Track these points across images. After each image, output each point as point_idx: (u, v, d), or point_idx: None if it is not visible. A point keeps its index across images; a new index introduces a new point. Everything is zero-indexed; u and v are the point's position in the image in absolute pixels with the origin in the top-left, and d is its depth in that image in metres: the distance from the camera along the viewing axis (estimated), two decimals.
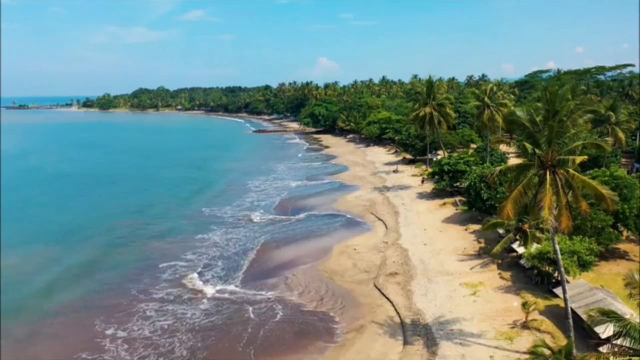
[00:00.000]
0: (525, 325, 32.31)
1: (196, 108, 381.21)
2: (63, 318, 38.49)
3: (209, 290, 42.63)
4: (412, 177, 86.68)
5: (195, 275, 45.90)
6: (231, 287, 43.10)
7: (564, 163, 27.28)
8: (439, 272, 43.42)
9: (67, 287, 44.05)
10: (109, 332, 35.60)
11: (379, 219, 62.23)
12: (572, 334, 28.31)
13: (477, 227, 53.31)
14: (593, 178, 39.85)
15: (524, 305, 33.14)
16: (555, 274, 37.22)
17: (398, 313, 36.68)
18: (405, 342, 32.61)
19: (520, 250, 41.81)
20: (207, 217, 66.48)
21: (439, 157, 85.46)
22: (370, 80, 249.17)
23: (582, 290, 33.00)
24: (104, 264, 49.62)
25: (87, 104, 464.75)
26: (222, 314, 38.35)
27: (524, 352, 29.27)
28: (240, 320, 37.28)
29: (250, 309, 39.06)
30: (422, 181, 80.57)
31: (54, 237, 58.15)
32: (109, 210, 71.00)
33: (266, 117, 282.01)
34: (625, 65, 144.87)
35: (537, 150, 27.75)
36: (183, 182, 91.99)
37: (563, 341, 29.22)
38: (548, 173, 27.23)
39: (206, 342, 34.18)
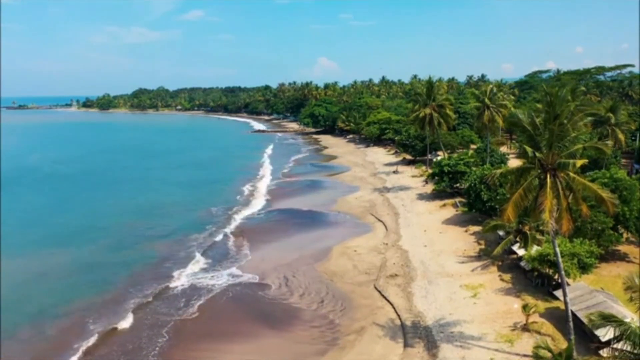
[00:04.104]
0: (525, 328, 32.31)
1: (196, 108, 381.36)
2: (57, 319, 38.45)
3: (207, 286, 42.78)
4: (412, 177, 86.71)
5: (193, 273, 46.16)
6: (230, 287, 43.16)
7: (565, 166, 27.28)
8: (439, 274, 43.45)
9: (66, 288, 43.98)
10: (92, 327, 36.20)
11: (379, 220, 62.23)
12: (572, 336, 28.33)
13: (477, 228, 53.31)
14: (593, 180, 39.89)
15: (525, 307, 33.12)
16: (556, 276, 37.24)
17: (398, 315, 36.70)
18: (406, 344, 32.63)
19: (521, 252, 41.83)
20: (207, 216, 66.43)
21: (439, 157, 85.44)
22: (370, 80, 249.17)
23: (583, 293, 33.03)
24: (102, 263, 49.52)
25: (87, 104, 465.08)
26: (218, 313, 38.57)
27: (525, 355, 29.32)
28: (236, 320, 37.43)
29: (248, 309, 39.18)
30: (426, 182, 79.78)
31: (55, 238, 58.03)
32: (110, 211, 70.91)
33: (266, 117, 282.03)
34: (625, 66, 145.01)
35: (537, 153, 27.77)
36: (185, 182, 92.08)
37: (563, 344, 29.24)
38: (549, 176, 27.24)
39: (194, 338, 34.26)
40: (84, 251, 53.32)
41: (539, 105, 58.81)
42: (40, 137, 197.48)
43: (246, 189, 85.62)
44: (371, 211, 66.44)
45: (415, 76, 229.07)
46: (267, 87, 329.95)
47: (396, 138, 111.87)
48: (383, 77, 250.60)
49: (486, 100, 75.91)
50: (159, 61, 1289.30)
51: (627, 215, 41.72)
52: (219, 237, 57.54)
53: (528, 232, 40.10)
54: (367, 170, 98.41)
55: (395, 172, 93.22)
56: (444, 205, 65.31)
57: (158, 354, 33.01)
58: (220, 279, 45.35)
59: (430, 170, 78.56)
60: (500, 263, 43.95)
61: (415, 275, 43.71)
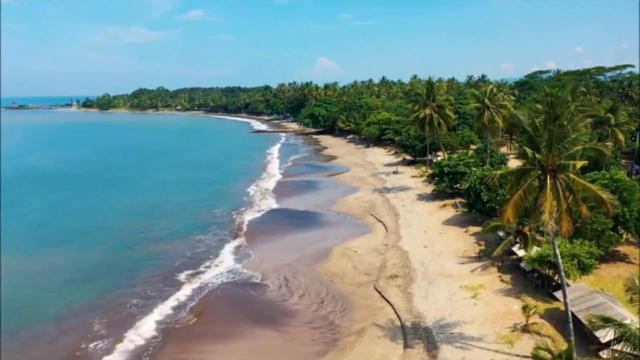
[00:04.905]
0: (525, 329, 32.32)
1: (196, 108, 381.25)
2: (64, 321, 38.26)
3: (208, 287, 42.92)
4: (412, 178, 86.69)
5: (196, 274, 46.17)
6: (231, 287, 43.20)
7: (565, 167, 27.30)
8: (439, 275, 43.46)
9: (73, 289, 43.84)
10: (104, 332, 35.92)
11: (379, 220, 62.23)
12: (572, 337, 28.34)
13: (477, 229, 53.32)
14: (593, 181, 39.96)
15: (525, 308, 33.14)
16: (556, 277, 37.25)
17: (398, 316, 36.71)
18: (406, 345, 32.64)
19: (521, 253, 41.85)
20: (210, 217, 66.42)
21: (438, 158, 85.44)
22: (370, 80, 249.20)
23: (583, 294, 33.03)
24: (108, 265, 49.35)
25: (87, 104, 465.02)
26: (218, 313, 38.62)
27: (525, 356, 29.33)
28: (236, 320, 37.45)
29: (249, 309, 39.23)
30: (430, 181, 79.20)
31: (58, 239, 57.92)
32: (114, 212, 70.72)
33: (266, 117, 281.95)
34: (625, 66, 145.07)
35: (537, 155, 27.78)
36: (187, 183, 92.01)
37: (563, 345, 29.26)
38: (548, 177, 27.25)
39: (195, 339, 34.30)
40: (87, 252, 53.16)
41: (539, 106, 58.90)
42: (40, 138, 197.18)
43: (247, 189, 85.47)
44: (371, 212, 66.43)
45: (415, 76, 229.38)
46: (267, 88, 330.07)
47: (396, 138, 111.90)
48: (383, 77, 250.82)
49: (486, 100, 75.92)
50: (159, 61, 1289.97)
51: (627, 216, 41.74)
52: (222, 238, 57.47)
53: (528, 233, 40.13)
54: (367, 171, 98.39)
55: (395, 172, 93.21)
56: (444, 205, 65.31)
57: (153, 355, 33.13)
58: (222, 279, 45.39)
59: (430, 171, 78.53)
60: (500, 264, 43.95)
61: (415, 276, 43.71)
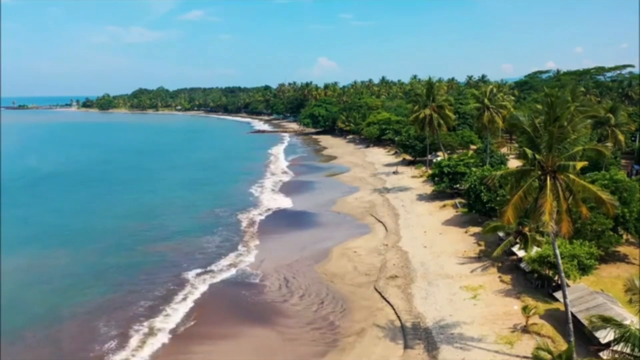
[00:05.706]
0: (525, 330, 32.33)
1: (196, 108, 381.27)
2: (70, 322, 38.21)
3: (207, 287, 43.01)
4: (412, 178, 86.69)
5: (196, 274, 46.18)
6: (231, 287, 43.23)
7: (565, 168, 27.32)
8: (439, 275, 43.47)
9: (75, 290, 43.78)
10: (112, 333, 35.85)
11: (379, 221, 62.24)
12: (572, 338, 28.36)
13: (477, 229, 53.34)
14: (593, 182, 39.93)
15: (525, 309, 33.16)
16: (556, 278, 37.27)
17: (398, 316, 36.73)
18: (406, 346, 32.66)
19: (521, 253, 41.84)
20: (211, 217, 66.47)
21: (438, 158, 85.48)
22: (370, 80, 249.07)
23: (583, 294, 33.03)
24: (112, 266, 49.29)
25: (87, 104, 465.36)
26: (218, 314, 38.67)
27: (525, 357, 29.36)
28: (235, 321, 37.51)
29: (248, 310, 39.26)
30: (430, 182, 79.12)
31: (61, 240, 57.84)
32: (116, 213, 70.59)
33: (266, 117, 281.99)
34: (624, 66, 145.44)
35: (537, 155, 27.80)
36: (189, 184, 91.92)
37: (563, 345, 29.25)
38: (549, 178, 27.25)
39: (194, 340, 34.32)
40: (91, 253, 53.08)
41: (539, 106, 58.77)
42: (40, 138, 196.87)
43: (248, 190, 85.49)
44: (371, 212, 66.44)
45: (415, 76, 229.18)
46: (267, 88, 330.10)
47: (396, 139, 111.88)
48: (383, 78, 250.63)
49: (486, 101, 75.95)
50: (159, 61, 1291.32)
51: (627, 217, 41.74)
52: (225, 239, 57.44)
53: (528, 233, 40.10)
54: (367, 171, 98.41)
55: (395, 172, 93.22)
56: (444, 206, 65.32)
57: (159, 355, 33.17)
58: (224, 280, 45.42)
59: (430, 171, 78.57)
60: (500, 264, 43.96)
61: (415, 276, 43.73)
